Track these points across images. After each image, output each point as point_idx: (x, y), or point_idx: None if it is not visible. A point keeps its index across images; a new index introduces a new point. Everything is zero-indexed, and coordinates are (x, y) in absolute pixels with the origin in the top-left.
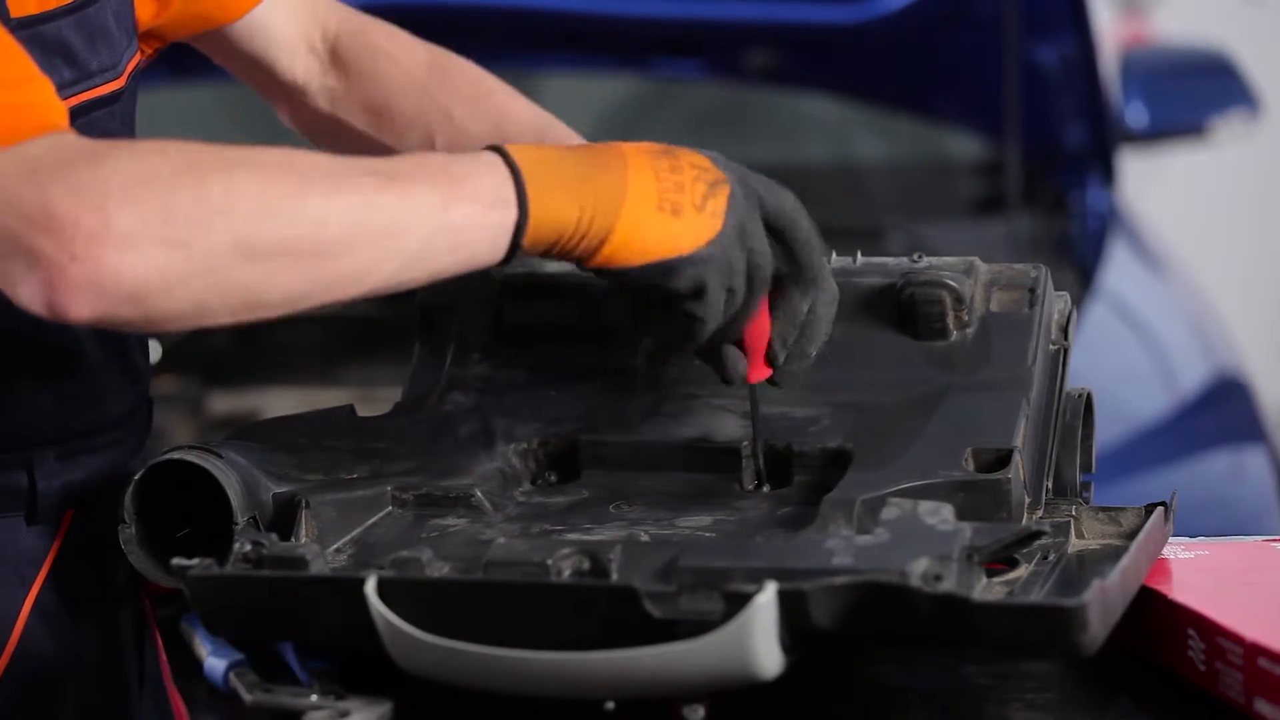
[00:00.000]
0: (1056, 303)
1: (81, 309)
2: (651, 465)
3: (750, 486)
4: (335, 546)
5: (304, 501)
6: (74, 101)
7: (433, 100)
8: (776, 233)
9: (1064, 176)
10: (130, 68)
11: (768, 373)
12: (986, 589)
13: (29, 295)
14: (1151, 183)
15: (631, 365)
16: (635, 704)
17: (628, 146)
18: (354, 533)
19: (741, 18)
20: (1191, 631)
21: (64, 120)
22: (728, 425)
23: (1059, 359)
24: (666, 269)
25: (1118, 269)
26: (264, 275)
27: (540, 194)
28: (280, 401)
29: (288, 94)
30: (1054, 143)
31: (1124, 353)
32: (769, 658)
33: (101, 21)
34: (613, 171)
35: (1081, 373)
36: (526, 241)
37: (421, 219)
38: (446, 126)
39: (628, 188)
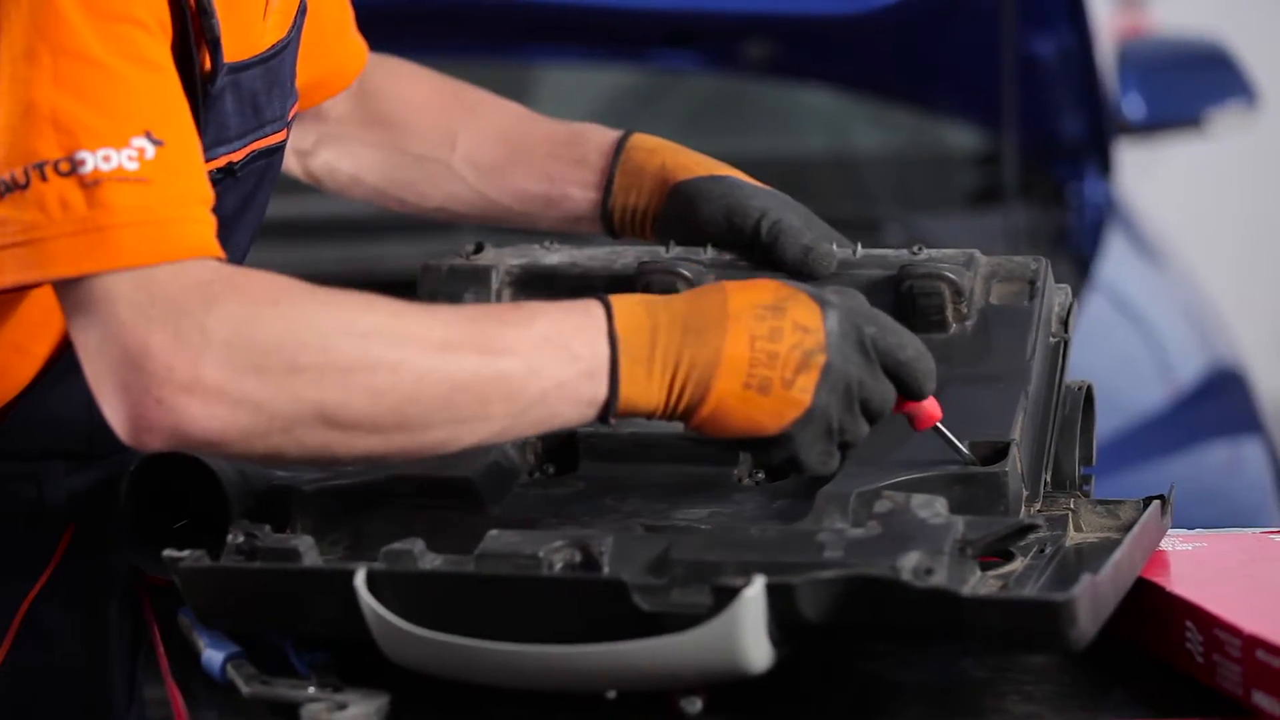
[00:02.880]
0: (1057, 295)
1: (157, 444)
2: (649, 457)
3: (749, 479)
4: (331, 538)
5: (300, 493)
6: (248, 150)
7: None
8: (892, 373)
9: (1061, 168)
10: (290, 118)
11: (938, 412)
12: (980, 583)
13: (111, 416)
14: (1149, 174)
15: None
16: (634, 694)
17: (735, 302)
18: (350, 524)
19: (738, 9)
20: (1189, 624)
21: (215, 247)
22: None
23: (1059, 351)
24: (753, 444)
25: (1115, 261)
26: (344, 440)
27: (633, 372)
28: None
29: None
30: (1051, 134)
31: (1121, 344)
32: (758, 651)
33: (281, 72)
34: (709, 343)
35: (1078, 364)
36: (613, 417)
37: (513, 398)
38: (469, 123)
39: (720, 362)
